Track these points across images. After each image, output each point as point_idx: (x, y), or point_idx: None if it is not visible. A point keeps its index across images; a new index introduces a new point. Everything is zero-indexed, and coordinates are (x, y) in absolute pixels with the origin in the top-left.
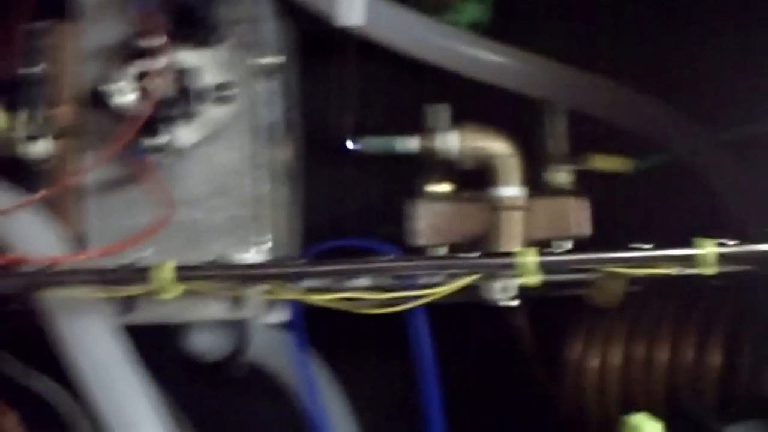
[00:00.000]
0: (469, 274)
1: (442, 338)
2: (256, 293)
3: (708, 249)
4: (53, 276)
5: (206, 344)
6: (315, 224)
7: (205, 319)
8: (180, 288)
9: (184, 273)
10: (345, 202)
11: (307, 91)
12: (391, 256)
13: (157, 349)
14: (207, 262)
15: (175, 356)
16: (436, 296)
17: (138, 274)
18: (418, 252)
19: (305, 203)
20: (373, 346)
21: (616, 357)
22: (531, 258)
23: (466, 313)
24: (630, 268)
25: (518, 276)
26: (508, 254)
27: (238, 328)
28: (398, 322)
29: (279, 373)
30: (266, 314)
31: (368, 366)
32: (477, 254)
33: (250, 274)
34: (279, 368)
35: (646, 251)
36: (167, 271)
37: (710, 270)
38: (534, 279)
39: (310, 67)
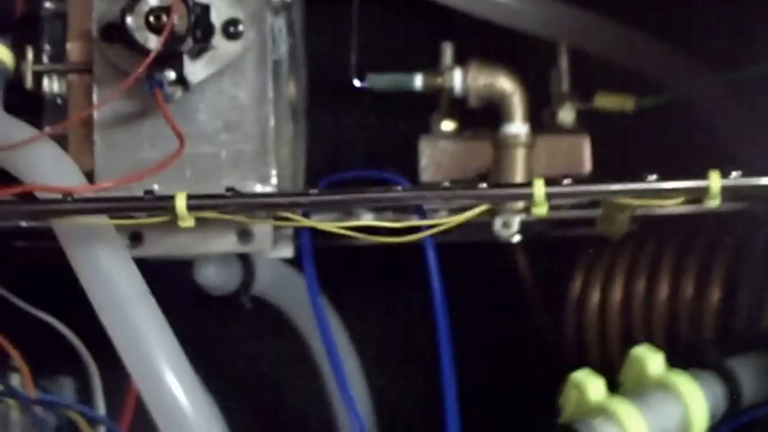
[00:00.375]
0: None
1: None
2: (270, 222)
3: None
4: (66, 205)
5: (213, 277)
6: (319, 162)
7: (213, 253)
8: (194, 217)
9: (197, 202)
10: (349, 141)
11: (312, 29)
12: (405, 186)
13: (164, 282)
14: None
15: (182, 289)
16: (452, 224)
17: (154, 202)
18: None
19: (309, 142)
20: (378, 280)
21: (616, 294)
22: (539, 188)
23: (467, 253)
24: (637, 198)
25: (528, 206)
26: (520, 185)
27: (246, 262)
28: (404, 256)
29: (287, 307)
30: (274, 248)
31: (373, 301)
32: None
33: (262, 203)
34: (287, 302)
35: (654, 182)
36: (181, 199)
37: (715, 201)
38: (542, 209)
39: (315, 4)
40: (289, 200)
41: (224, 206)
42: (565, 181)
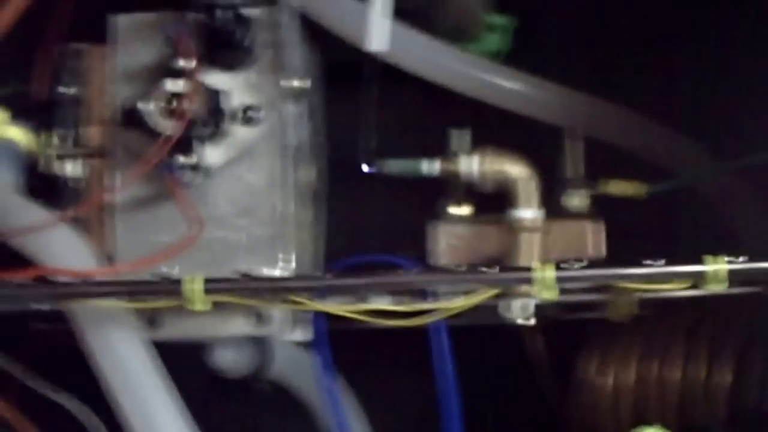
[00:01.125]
0: (491, 288)
1: (456, 360)
2: (282, 306)
3: (719, 265)
4: (83, 288)
5: (230, 361)
6: (336, 246)
7: (229, 335)
8: (209, 301)
9: (213, 286)
10: (366, 224)
11: (331, 116)
12: (415, 270)
13: (181, 365)
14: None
15: (199, 372)
16: (459, 308)
17: (169, 286)
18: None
19: (327, 225)
20: (392, 364)
21: (628, 376)
22: (549, 272)
23: (481, 336)
24: (644, 283)
25: (536, 291)
26: (527, 269)
27: (262, 345)
28: (417, 340)
29: (302, 390)
30: (290, 331)
31: (387, 384)
32: (497, 269)
33: (276, 287)
34: (302, 386)
35: (660, 267)
36: (197, 283)
37: (721, 287)
38: (552, 294)
39: (335, 91)
40: (303, 284)
41: (239, 290)
42: (576, 266)
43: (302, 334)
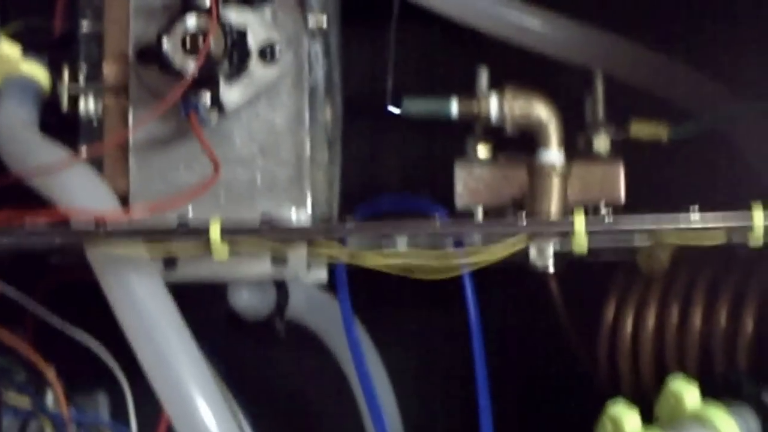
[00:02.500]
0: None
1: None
2: (303, 253)
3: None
4: (99, 231)
5: (247, 302)
6: (353, 187)
7: (247, 277)
8: (226, 248)
9: (231, 233)
10: (383, 166)
11: (348, 54)
12: (447, 219)
13: (198, 306)
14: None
15: (216, 313)
16: (494, 260)
17: (187, 234)
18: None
19: (344, 165)
20: (410, 305)
21: (649, 322)
22: (581, 223)
23: (500, 278)
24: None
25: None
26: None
27: (279, 287)
28: (437, 282)
29: (321, 331)
30: (307, 273)
31: (403, 325)
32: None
33: (296, 234)
34: (320, 327)
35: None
36: (215, 230)
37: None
38: (582, 245)
39: (352, 29)
40: (325, 232)
41: (260, 234)
42: (603, 211)
43: (321, 274)
